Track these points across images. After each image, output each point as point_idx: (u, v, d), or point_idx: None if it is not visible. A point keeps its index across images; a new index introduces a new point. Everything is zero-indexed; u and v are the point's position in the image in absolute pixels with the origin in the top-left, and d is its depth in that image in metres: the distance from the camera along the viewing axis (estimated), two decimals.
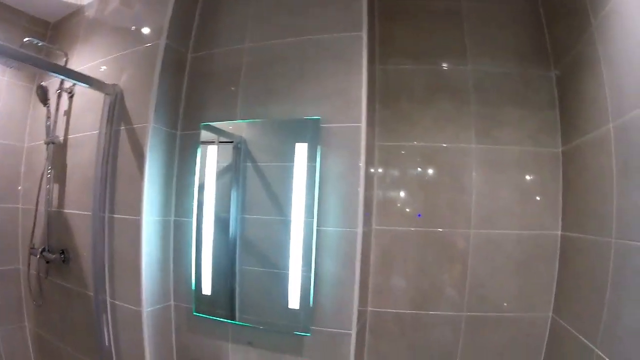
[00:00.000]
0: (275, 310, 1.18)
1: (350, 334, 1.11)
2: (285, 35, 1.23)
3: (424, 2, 1.46)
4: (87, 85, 1.31)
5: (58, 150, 1.48)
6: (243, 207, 1.22)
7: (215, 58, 1.33)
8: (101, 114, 1.32)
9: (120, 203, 1.26)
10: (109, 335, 1.30)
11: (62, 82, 1.52)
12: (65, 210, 1.44)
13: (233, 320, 1.22)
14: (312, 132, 1.13)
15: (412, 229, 1.38)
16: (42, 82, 1.59)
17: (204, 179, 1.25)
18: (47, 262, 1.44)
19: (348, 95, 1.13)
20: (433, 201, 1.39)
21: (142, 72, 1.29)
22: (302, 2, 1.24)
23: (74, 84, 1.49)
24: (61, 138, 1.49)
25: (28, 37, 1.54)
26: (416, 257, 1.38)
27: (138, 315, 1.22)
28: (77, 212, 1.39)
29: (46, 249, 1.44)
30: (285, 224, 1.15)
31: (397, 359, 1.38)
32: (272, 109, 1.21)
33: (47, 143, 1.47)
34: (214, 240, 1.24)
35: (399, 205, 1.41)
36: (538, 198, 1.36)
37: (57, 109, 1.52)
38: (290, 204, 1.14)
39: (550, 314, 1.33)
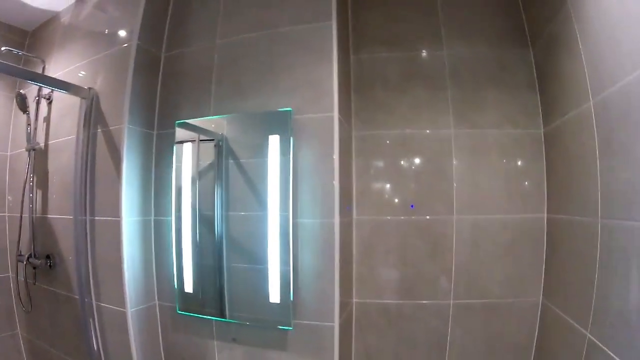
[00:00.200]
0: (257, 306, 1.20)
1: (333, 327, 1.13)
2: (255, 30, 1.26)
3: None
4: (63, 91, 1.35)
5: (39, 157, 1.51)
6: (221, 204, 1.24)
7: (188, 56, 1.36)
8: (78, 118, 1.35)
9: (100, 205, 1.29)
10: (96, 338, 1.33)
11: (40, 89, 1.56)
12: (49, 216, 1.47)
13: (216, 317, 1.25)
14: (284, 124, 1.14)
15: (394, 217, 1.40)
16: (21, 90, 1.62)
17: (180, 177, 1.28)
18: (34, 268, 1.48)
19: (319, 85, 1.15)
20: (414, 189, 1.40)
21: (116, 74, 1.32)
22: None
23: (52, 90, 1.52)
24: (42, 144, 1.52)
25: (6, 47, 1.58)
26: (399, 246, 1.39)
27: (123, 316, 1.25)
28: (60, 216, 1.43)
29: (32, 255, 1.48)
30: (264, 219, 1.17)
31: (386, 350, 1.40)
32: (245, 103, 1.23)
33: (29, 150, 1.51)
34: (193, 238, 1.26)
35: (379, 194, 1.42)
36: (521, 181, 1.37)
37: (36, 116, 1.55)
38: (267, 198, 1.16)
39: (541, 298, 1.34)
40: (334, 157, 1.12)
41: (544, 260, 1.33)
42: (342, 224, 1.20)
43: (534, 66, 1.39)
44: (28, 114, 1.56)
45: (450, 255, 1.36)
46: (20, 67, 1.56)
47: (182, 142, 1.29)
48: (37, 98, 1.55)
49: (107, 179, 1.27)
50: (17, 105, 1.58)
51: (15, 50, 1.64)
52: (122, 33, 1.35)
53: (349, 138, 1.38)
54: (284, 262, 1.14)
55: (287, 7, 1.23)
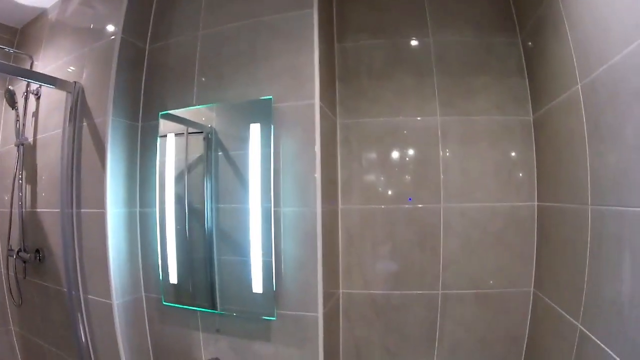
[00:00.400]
0: (242, 296, 1.22)
1: (316, 317, 1.14)
2: (237, 19, 1.27)
3: None
4: (50, 85, 1.38)
5: (28, 152, 1.55)
6: (211, 196, 1.26)
7: (172, 48, 1.38)
8: (64, 112, 1.38)
9: (86, 198, 1.32)
10: (84, 330, 1.36)
11: (28, 85, 1.60)
12: (38, 210, 1.51)
13: (202, 308, 1.27)
14: (265, 113, 1.16)
15: (380, 206, 1.40)
16: (9, 86, 1.67)
17: (163, 168, 1.30)
18: (24, 262, 1.52)
19: (300, 73, 1.17)
20: (400, 177, 1.41)
21: (100, 67, 1.35)
22: None
23: (40, 86, 1.56)
24: (30, 140, 1.56)
25: None
26: (386, 235, 1.40)
27: (109, 308, 1.28)
28: (48, 210, 1.46)
29: (22, 250, 1.51)
30: (246, 208, 1.19)
31: (374, 341, 1.41)
32: (227, 93, 1.25)
33: (17, 145, 1.55)
34: (178, 229, 1.29)
35: (365, 183, 1.43)
36: (511, 169, 1.36)
37: (25, 111, 1.59)
38: (248, 188, 1.18)
39: (532, 289, 1.33)
40: (316, 144, 1.14)
41: (535, 249, 1.33)
42: (326, 213, 1.22)
43: (522, 52, 1.39)
44: (17, 109, 1.60)
45: (438, 245, 1.37)
46: (5, 63, 1.60)
47: (166, 133, 1.32)
48: (25, 94, 1.59)
49: (93, 171, 1.30)
50: (6, 101, 1.62)
51: (4, 48, 1.69)
52: (107, 27, 1.38)
53: (333, 127, 1.40)
54: (266, 251, 1.16)
55: None
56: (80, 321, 1.36)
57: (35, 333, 1.63)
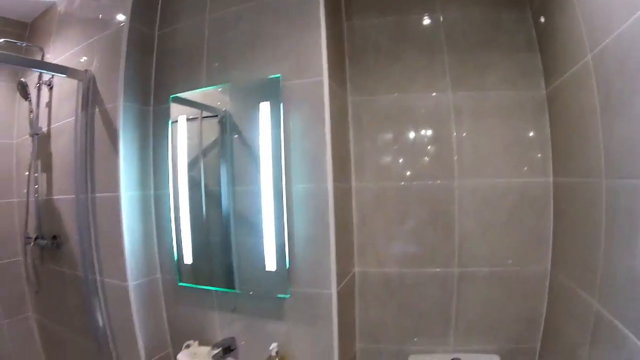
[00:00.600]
0: (257, 275, 1.25)
1: (330, 294, 1.16)
2: (242, 2, 1.30)
3: None
4: (61, 74, 1.44)
5: (43, 141, 1.62)
6: (220, 177, 1.29)
7: (180, 32, 1.42)
8: (76, 100, 1.43)
9: (99, 182, 1.37)
10: (101, 313, 1.42)
11: (40, 76, 1.66)
12: (54, 197, 1.57)
13: (218, 287, 1.31)
14: (273, 91, 1.19)
15: (393, 183, 1.42)
16: (22, 78, 1.73)
17: (176, 151, 1.34)
18: (42, 248, 1.58)
19: (308, 51, 1.18)
20: (412, 154, 1.42)
21: (110, 55, 1.39)
22: None
23: (52, 76, 1.62)
24: (44, 129, 1.62)
25: (5, 39, 1.69)
26: (399, 213, 1.41)
27: (125, 290, 1.32)
28: (64, 196, 1.52)
29: (39, 237, 1.58)
30: (259, 187, 1.21)
31: (389, 320, 1.43)
32: (236, 73, 1.28)
33: (32, 135, 1.61)
34: (192, 210, 1.33)
35: (377, 161, 1.44)
36: (525, 144, 1.36)
37: (38, 102, 1.66)
38: (259, 167, 1.21)
39: (549, 267, 1.33)
40: (325, 121, 1.16)
41: (552, 226, 1.32)
42: (338, 190, 1.24)
43: (533, 25, 1.38)
44: (30, 100, 1.66)
45: (452, 223, 1.37)
46: (17, 55, 1.66)
47: (178, 116, 1.35)
48: (38, 85, 1.65)
49: (106, 156, 1.35)
50: (19, 92, 1.69)
51: (16, 42, 1.75)
52: (116, 16, 1.42)
53: (344, 104, 1.42)
54: (279, 228, 1.18)
55: None
56: (96, 305, 1.42)
57: (53, 318, 1.70)
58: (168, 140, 1.36)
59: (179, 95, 1.36)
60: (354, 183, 1.45)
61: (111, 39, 1.41)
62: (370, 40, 1.45)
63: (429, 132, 1.41)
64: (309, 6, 1.20)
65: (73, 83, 1.46)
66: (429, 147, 1.41)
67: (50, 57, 1.69)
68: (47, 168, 1.60)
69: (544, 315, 1.33)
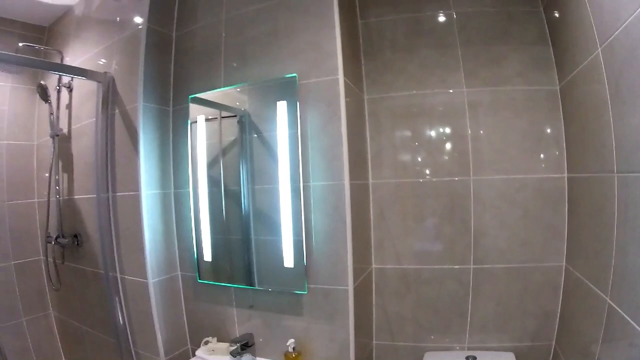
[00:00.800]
0: (274, 271, 1.30)
1: (347, 290, 1.20)
2: (257, 2, 1.34)
3: None
4: (81, 77, 1.51)
5: (63, 142, 1.69)
6: (240, 177, 1.34)
7: (198, 33, 1.48)
8: (96, 101, 1.50)
9: (120, 181, 1.43)
10: (122, 310, 1.48)
11: (60, 79, 1.73)
12: (75, 197, 1.64)
13: (237, 284, 1.36)
14: (290, 90, 1.23)
15: (410, 180, 1.46)
16: (41, 81, 1.81)
17: (195, 151, 1.40)
18: (62, 247, 1.65)
19: (322, 50, 1.23)
20: (428, 150, 1.46)
21: (129, 57, 1.46)
22: None
23: (72, 79, 1.69)
24: (65, 130, 1.69)
25: (24, 43, 1.77)
26: (416, 209, 1.46)
27: (145, 287, 1.38)
28: (85, 196, 1.59)
29: (60, 236, 1.65)
30: (277, 186, 1.26)
31: (406, 316, 1.47)
32: (253, 73, 1.33)
33: (52, 136, 1.68)
34: (213, 210, 1.38)
35: (394, 157, 1.48)
36: (539, 139, 1.38)
37: (58, 104, 1.73)
38: (278, 165, 1.25)
39: (564, 263, 1.35)
40: (341, 118, 1.20)
41: (567, 222, 1.34)
42: (356, 187, 1.28)
43: (545, 19, 1.40)
44: (50, 103, 1.73)
45: (469, 218, 1.41)
46: (37, 58, 1.74)
47: (197, 116, 1.41)
48: (57, 87, 1.73)
49: (126, 155, 1.41)
50: (39, 95, 1.76)
51: (34, 45, 1.83)
52: (133, 17, 1.48)
53: (360, 101, 1.46)
54: (296, 225, 1.23)
55: None
56: (117, 302, 1.48)
57: (74, 316, 1.77)
58: (187, 139, 1.42)
59: (197, 95, 1.42)
60: (371, 180, 1.49)
61: (129, 40, 1.47)
62: (385, 38, 1.49)
63: (444, 128, 1.45)
64: (323, 5, 1.24)
65: (92, 85, 1.52)
66: (444, 143, 1.45)
67: (69, 60, 1.76)
68: (68, 168, 1.67)
69: (558, 312, 1.36)
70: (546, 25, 1.39)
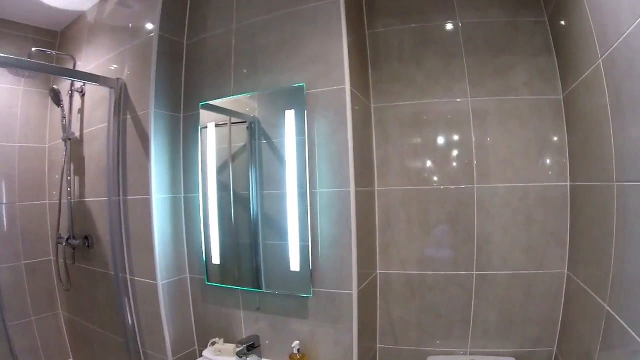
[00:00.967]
0: (280, 275, 1.36)
1: (351, 294, 1.26)
2: (266, 12, 1.41)
3: None
4: (93, 83, 1.58)
5: (75, 145, 1.77)
6: (249, 182, 1.40)
7: (208, 42, 1.55)
8: (108, 106, 1.57)
9: (131, 185, 1.51)
10: (131, 310, 1.55)
11: (72, 84, 1.81)
12: (86, 199, 1.72)
13: (244, 287, 1.42)
14: (298, 99, 1.30)
15: (415, 187, 1.51)
16: (53, 85, 1.88)
17: (205, 156, 1.47)
18: (73, 248, 1.73)
19: (329, 60, 1.29)
20: (433, 158, 1.51)
21: (141, 64, 1.53)
22: None
23: (84, 84, 1.77)
24: (77, 134, 1.77)
25: (37, 47, 1.85)
26: (420, 216, 1.51)
27: (154, 288, 1.45)
28: (96, 199, 1.66)
29: (71, 237, 1.72)
30: (286, 193, 1.32)
31: (410, 320, 1.52)
32: (262, 82, 1.40)
33: (64, 140, 1.76)
34: (222, 214, 1.45)
35: (399, 164, 1.54)
36: (543, 148, 1.43)
37: (70, 108, 1.81)
38: (286, 171, 1.32)
39: (566, 270, 1.39)
40: (347, 127, 1.26)
41: (568, 231, 1.39)
42: (361, 193, 1.34)
43: (549, 29, 1.45)
44: (62, 107, 1.81)
45: (472, 226, 1.46)
46: (52, 64, 1.82)
47: (207, 123, 1.48)
48: (70, 92, 1.81)
49: (137, 160, 1.49)
50: (52, 99, 1.84)
51: (47, 50, 1.91)
52: (145, 25, 1.55)
53: (367, 110, 1.52)
54: (303, 230, 1.29)
55: None
56: (126, 302, 1.55)
57: (82, 315, 1.84)
58: (198, 146, 1.49)
59: (207, 102, 1.49)
60: (377, 187, 1.55)
61: (141, 48, 1.54)
62: (392, 47, 1.55)
63: (449, 137, 1.51)
64: (331, 16, 1.30)
65: (104, 90, 1.60)
66: (449, 151, 1.50)
67: (81, 65, 1.84)
68: (80, 171, 1.75)
69: (560, 318, 1.40)
70: (550, 35, 1.44)
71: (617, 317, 0.92)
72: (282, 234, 1.33)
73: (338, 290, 1.28)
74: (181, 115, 1.58)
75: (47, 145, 2.03)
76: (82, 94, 1.77)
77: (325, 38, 1.30)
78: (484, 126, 1.47)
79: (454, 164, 1.49)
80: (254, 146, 1.40)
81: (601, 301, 1.03)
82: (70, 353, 2.01)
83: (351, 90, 1.28)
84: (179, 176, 1.55)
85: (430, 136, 1.52)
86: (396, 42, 1.55)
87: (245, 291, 1.43)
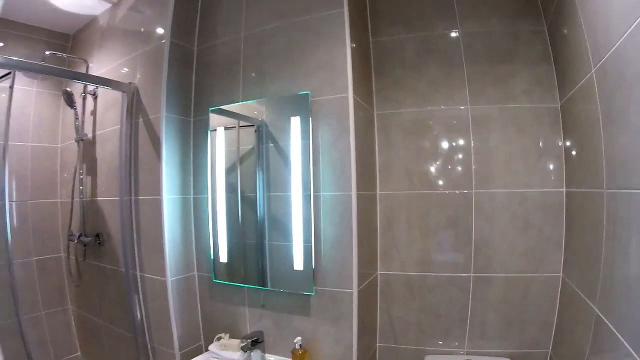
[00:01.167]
0: (284, 274, 1.47)
1: (352, 293, 1.37)
2: (274, 21, 1.53)
3: None
4: (106, 87, 1.70)
5: (88, 147, 1.89)
6: (257, 184, 1.52)
7: (218, 49, 1.67)
8: (121, 110, 1.69)
9: (143, 186, 1.63)
10: (140, 306, 1.67)
11: (85, 87, 1.94)
12: (98, 199, 1.84)
13: (248, 284, 1.53)
14: (303, 106, 1.41)
15: (415, 192, 1.62)
16: (66, 87, 2.01)
17: (214, 159, 1.59)
18: (84, 245, 1.85)
19: (334, 69, 1.40)
20: (434, 164, 1.62)
21: (152, 69, 1.65)
22: None
23: (96, 87, 1.89)
24: (89, 135, 1.89)
25: (50, 50, 1.98)
26: (421, 220, 1.62)
27: (163, 285, 1.57)
28: (108, 198, 1.79)
29: (83, 234, 1.85)
30: (290, 193, 1.43)
31: (409, 320, 1.63)
32: (269, 89, 1.52)
33: (77, 141, 1.89)
34: (229, 215, 1.57)
35: (400, 169, 1.65)
36: (540, 155, 1.52)
37: (83, 110, 1.93)
38: (291, 175, 1.43)
39: (561, 274, 1.49)
40: (350, 134, 1.36)
41: (564, 236, 1.48)
42: (363, 197, 1.45)
43: (548, 38, 1.54)
44: (75, 109, 1.94)
45: (470, 229, 1.56)
46: (69, 69, 1.94)
47: (216, 127, 1.59)
48: (83, 94, 1.93)
49: (149, 162, 1.60)
50: (65, 101, 1.97)
51: (60, 54, 2.04)
52: (157, 30, 1.67)
53: (370, 117, 1.63)
54: (307, 231, 1.40)
55: None
56: (135, 298, 1.66)
57: (92, 311, 1.97)
58: (207, 149, 1.61)
59: (220, 107, 1.61)
60: (379, 190, 1.66)
61: (153, 54, 1.66)
62: (396, 56, 1.67)
63: (450, 143, 1.61)
64: (336, 26, 1.40)
65: (117, 93, 1.72)
66: (449, 157, 1.61)
67: (94, 68, 1.97)
68: (92, 171, 1.87)
69: (555, 321, 1.50)
70: (549, 44, 1.53)
71: (605, 320, 0.98)
72: (287, 235, 1.44)
73: (339, 289, 1.38)
74: (191, 119, 1.70)
75: (59, 146, 2.16)
76: (95, 96, 1.90)
77: (331, 47, 1.41)
78: (484, 133, 1.57)
79: (454, 169, 1.60)
80: (262, 149, 1.52)
81: (592, 304, 1.10)
82: (79, 348, 2.14)
83: (354, 98, 1.39)
84: (189, 178, 1.67)
85: (431, 143, 1.63)
86: (399, 50, 1.66)
87: (250, 289, 1.55)
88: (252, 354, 1.45)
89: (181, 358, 1.59)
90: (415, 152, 1.64)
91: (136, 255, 1.65)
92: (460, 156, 1.59)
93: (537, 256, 1.51)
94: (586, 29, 1.12)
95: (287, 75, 1.49)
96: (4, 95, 1.73)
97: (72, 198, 1.91)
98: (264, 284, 1.51)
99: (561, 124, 1.51)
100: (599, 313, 1.04)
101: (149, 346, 1.68)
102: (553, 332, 1.51)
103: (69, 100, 1.95)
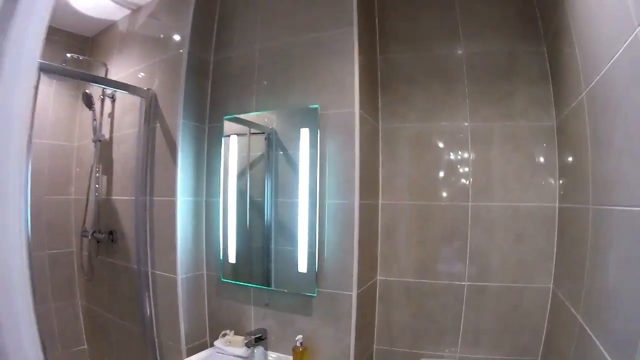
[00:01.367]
0: (289, 275, 1.63)
1: (351, 295, 1.51)
2: (287, 36, 1.69)
3: None
4: (125, 92, 1.86)
5: (104, 147, 2.05)
6: (265, 189, 1.68)
7: (234, 60, 1.83)
8: (139, 114, 1.85)
9: (158, 187, 1.78)
10: (150, 302, 1.82)
11: (104, 90, 2.10)
12: (113, 197, 2.00)
13: (254, 284, 1.68)
14: (312, 119, 1.56)
15: (415, 203, 1.77)
16: (85, 89, 2.18)
17: (227, 165, 1.74)
18: (98, 242, 2.01)
19: (342, 84, 1.55)
20: (433, 177, 1.77)
21: (171, 77, 1.81)
22: (299, 5, 1.68)
23: (115, 91, 2.05)
24: (107, 136, 2.05)
25: (70, 53, 2.14)
26: (419, 229, 1.77)
27: (173, 281, 1.72)
28: (123, 197, 1.94)
29: (96, 231, 2.00)
30: (297, 200, 1.58)
31: (406, 324, 1.77)
32: (281, 101, 1.68)
33: (95, 141, 2.05)
34: (239, 218, 1.73)
35: (402, 181, 1.80)
36: (535, 171, 1.66)
37: (101, 112, 2.09)
38: (298, 183, 1.58)
39: (551, 285, 1.62)
40: (355, 147, 1.51)
41: (555, 249, 1.61)
42: (365, 206, 1.60)
43: (547, 59, 1.68)
44: (94, 110, 2.10)
45: (466, 240, 1.70)
46: (90, 73, 2.11)
47: (229, 134, 1.75)
48: (101, 97, 2.09)
49: (165, 165, 1.76)
50: (84, 102, 2.13)
51: (79, 56, 2.21)
52: (175, 39, 1.83)
53: (375, 130, 1.79)
54: (311, 236, 1.55)
55: (312, 15, 1.64)
56: (145, 294, 1.82)
57: (101, 305, 2.12)
58: (220, 155, 1.78)
59: (236, 116, 1.77)
60: (380, 200, 1.81)
61: (171, 62, 1.82)
62: (402, 73, 1.82)
63: (449, 158, 1.76)
64: (345, 43, 1.55)
65: (134, 97, 1.88)
66: (448, 171, 1.75)
67: (113, 72, 2.13)
68: (108, 171, 2.03)
69: (544, 330, 1.63)
70: (548, 65, 1.67)
71: (587, 329, 1.08)
72: (292, 240, 1.60)
73: (340, 291, 1.53)
74: (206, 126, 1.86)
75: (75, 144, 2.33)
76: (113, 99, 2.06)
77: (340, 64, 1.56)
78: (482, 149, 1.72)
79: (453, 182, 1.74)
80: (271, 156, 1.67)
81: (576, 314, 1.21)
82: (85, 341, 2.29)
83: (360, 113, 1.54)
84: (202, 181, 1.83)
85: (432, 156, 1.78)
86: (406, 67, 1.82)
87: (256, 288, 1.70)
88: (255, 350, 1.59)
89: (187, 353, 1.74)
90: (417, 165, 1.79)
91: (148, 253, 1.81)
92: (459, 170, 1.73)
93: (529, 268, 1.65)
94: (579, 52, 1.22)
95: (298, 88, 1.64)
96: None
97: (88, 195, 2.06)
98: (268, 284, 1.66)
99: (556, 141, 1.65)
100: (582, 322, 1.14)
101: (156, 341, 1.82)
102: (543, 341, 1.64)
103: (88, 101, 2.12)
